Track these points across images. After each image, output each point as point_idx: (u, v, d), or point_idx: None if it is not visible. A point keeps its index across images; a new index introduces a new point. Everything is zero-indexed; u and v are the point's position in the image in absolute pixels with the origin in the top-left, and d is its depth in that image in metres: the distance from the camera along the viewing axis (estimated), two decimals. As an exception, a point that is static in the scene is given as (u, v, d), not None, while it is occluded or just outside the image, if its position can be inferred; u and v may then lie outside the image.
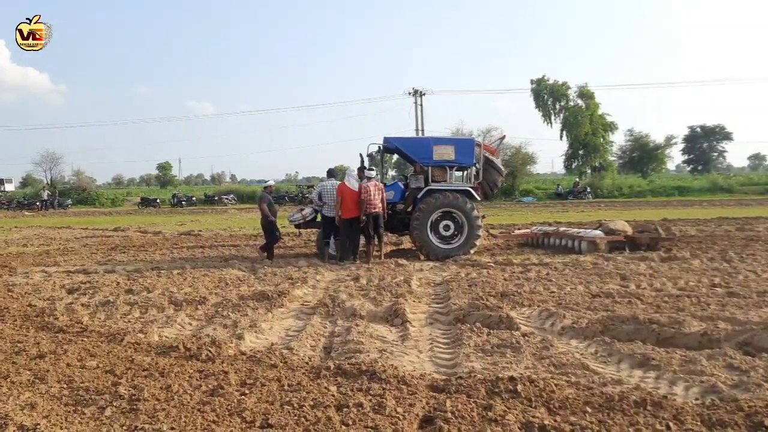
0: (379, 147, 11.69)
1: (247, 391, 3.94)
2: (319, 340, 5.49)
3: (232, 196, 48.07)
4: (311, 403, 3.69)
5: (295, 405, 3.65)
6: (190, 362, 4.71)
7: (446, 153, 11.24)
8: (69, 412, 3.67)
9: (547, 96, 51.36)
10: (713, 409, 3.47)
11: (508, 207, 33.06)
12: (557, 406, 3.59)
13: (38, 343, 5.33)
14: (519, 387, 3.83)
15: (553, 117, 51.49)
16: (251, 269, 9.85)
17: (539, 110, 51.97)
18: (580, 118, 49.23)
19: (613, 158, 54.38)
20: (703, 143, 67.37)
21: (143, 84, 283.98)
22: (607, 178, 46.65)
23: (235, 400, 3.76)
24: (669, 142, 56.28)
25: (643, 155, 54.93)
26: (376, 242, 10.84)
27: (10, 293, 8.00)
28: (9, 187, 62.44)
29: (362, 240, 10.81)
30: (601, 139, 50.67)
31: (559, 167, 71.30)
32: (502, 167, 12.38)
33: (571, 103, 50.89)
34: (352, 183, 10.53)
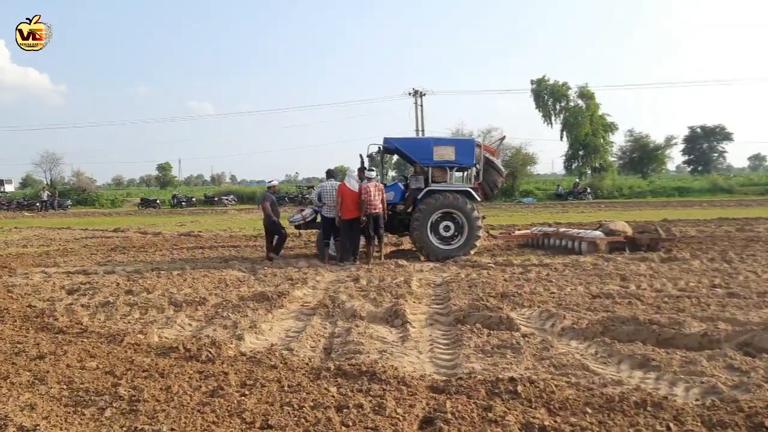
0: (379, 147, 11.69)
1: (247, 392, 3.94)
2: (319, 340, 5.49)
3: (232, 196, 48.08)
4: (311, 404, 3.69)
5: (295, 406, 3.65)
6: (189, 363, 4.70)
7: (446, 153, 11.24)
8: (69, 412, 3.67)
9: (548, 96, 51.43)
10: (714, 410, 3.47)
11: (508, 208, 33.07)
12: (557, 407, 3.59)
13: (38, 344, 5.33)
14: (519, 388, 3.82)
15: (553, 117, 51.60)
16: (251, 270, 9.85)
17: (539, 111, 52.08)
18: (580, 118, 49.29)
19: (613, 159, 54.48)
20: (703, 144, 67.42)
21: (143, 84, 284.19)
22: (607, 179, 46.69)
23: (235, 401, 3.76)
24: (669, 142, 56.44)
25: (643, 156, 54.99)
26: (376, 243, 10.84)
27: (9, 294, 8.00)
28: (9, 188, 62.48)
29: (362, 241, 10.81)
30: (602, 140, 50.73)
31: (559, 168, 71.37)
32: (502, 168, 12.38)
33: (572, 104, 50.99)
34: (353, 184, 10.53)
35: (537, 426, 3.31)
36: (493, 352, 4.87)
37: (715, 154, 69.37)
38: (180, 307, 6.90)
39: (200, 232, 18.90)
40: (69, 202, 44.01)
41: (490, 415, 3.46)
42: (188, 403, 3.77)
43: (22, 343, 5.40)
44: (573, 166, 52.59)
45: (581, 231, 12.27)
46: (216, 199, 46.97)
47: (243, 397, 3.83)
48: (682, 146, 65.79)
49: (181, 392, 3.95)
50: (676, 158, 65.90)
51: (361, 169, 11.08)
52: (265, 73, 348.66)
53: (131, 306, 7.00)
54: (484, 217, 11.72)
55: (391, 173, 59.28)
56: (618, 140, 55.19)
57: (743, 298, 6.61)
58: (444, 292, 7.67)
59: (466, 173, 12.22)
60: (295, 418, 3.47)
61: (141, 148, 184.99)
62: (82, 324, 6.16)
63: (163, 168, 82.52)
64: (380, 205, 10.45)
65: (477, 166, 11.53)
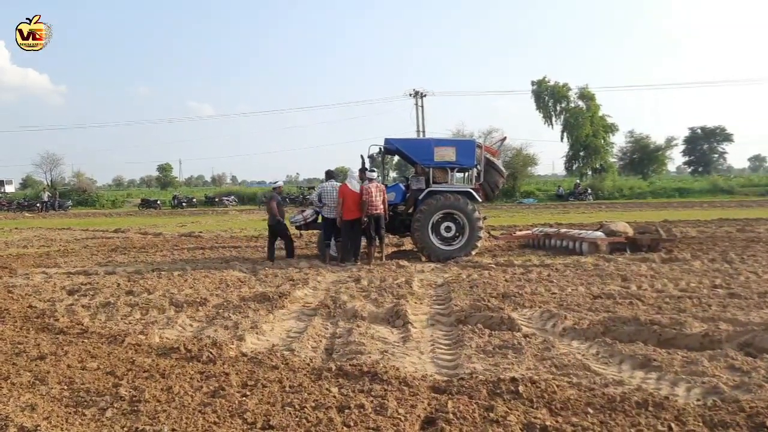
0: (380, 148, 11.68)
1: (248, 393, 3.94)
2: (321, 341, 5.49)
3: (232, 197, 48.13)
4: (313, 404, 3.69)
5: (297, 406, 3.65)
6: (191, 363, 4.70)
7: (447, 154, 11.24)
8: (69, 413, 3.67)
9: (548, 97, 51.49)
10: (715, 410, 3.47)
11: (509, 208, 33.07)
12: (559, 407, 3.58)
13: (39, 345, 5.32)
14: (520, 388, 3.82)
15: (553, 118, 51.66)
16: (252, 270, 9.85)
17: (540, 112, 52.15)
18: (580, 119, 49.34)
19: (613, 160, 54.50)
20: (704, 145, 67.39)
21: (143, 84, 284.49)
22: (607, 180, 46.69)
23: (237, 402, 3.76)
24: (669, 143, 56.46)
25: (643, 157, 54.99)
26: (378, 243, 10.84)
27: (10, 295, 8.00)
28: (9, 189, 62.45)
29: (363, 241, 10.81)
30: (602, 141, 50.76)
31: (559, 169, 71.40)
32: (503, 169, 12.37)
33: (572, 105, 51.00)
34: (354, 184, 10.53)
35: (538, 426, 3.31)
36: (494, 353, 4.87)
37: (716, 155, 69.36)
38: (181, 308, 6.90)
39: (201, 232, 18.90)
40: (69, 202, 44.05)
41: (491, 415, 3.46)
42: (189, 403, 3.77)
43: (22, 343, 5.40)
44: (574, 167, 52.59)
45: (582, 232, 12.27)
46: (217, 199, 47.00)
47: (244, 398, 3.83)
48: (682, 147, 65.86)
49: (182, 393, 3.95)
50: (676, 159, 65.95)
51: (363, 170, 11.08)
52: (266, 73, 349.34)
53: (132, 306, 7.00)
54: (485, 218, 11.72)
55: (392, 174, 59.30)
56: (618, 141, 55.31)
57: (744, 299, 6.61)
58: (445, 293, 7.67)
59: (467, 174, 12.22)
60: (297, 419, 3.47)
61: (141, 149, 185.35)
62: (82, 324, 6.15)
63: (164, 169, 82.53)
64: (381, 206, 10.45)
65: (478, 166, 11.53)
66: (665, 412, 3.46)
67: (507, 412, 3.49)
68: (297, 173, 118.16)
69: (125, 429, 3.41)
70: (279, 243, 11.71)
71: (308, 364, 4.61)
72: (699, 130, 66.85)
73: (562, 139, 51.67)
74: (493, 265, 9.86)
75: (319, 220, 11.30)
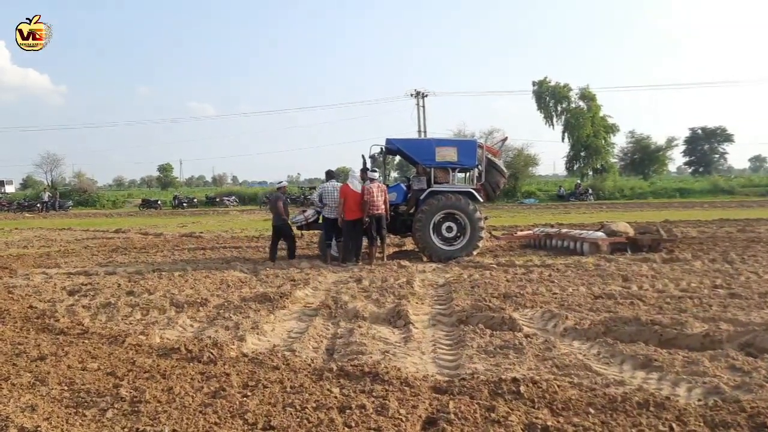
0: (382, 148, 11.67)
1: (249, 393, 3.93)
2: (322, 341, 5.49)
3: (233, 197, 48.08)
4: (314, 404, 3.68)
5: (298, 407, 3.64)
6: (191, 364, 4.70)
7: (449, 154, 11.24)
8: (70, 414, 3.67)
9: (549, 98, 51.47)
10: (716, 410, 3.47)
11: (510, 209, 33.05)
12: (560, 408, 3.58)
13: (39, 345, 5.32)
14: (522, 388, 3.82)
15: (554, 119, 51.64)
16: (253, 271, 9.85)
17: (541, 112, 52.14)
18: (581, 119, 49.32)
19: (614, 160, 54.49)
20: (704, 145, 67.37)
21: (144, 84, 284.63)
22: (608, 180, 46.66)
23: (237, 402, 3.75)
24: (670, 143, 56.40)
25: (644, 157, 54.98)
26: (379, 244, 10.83)
27: (10, 295, 7.99)
28: (9, 189, 62.49)
29: (365, 241, 10.81)
30: (603, 141, 50.73)
31: (560, 169, 71.33)
32: (504, 169, 12.36)
33: (573, 105, 50.99)
34: (355, 184, 10.53)
35: (540, 426, 3.30)
36: (495, 353, 4.87)
37: (716, 156, 69.33)
38: (181, 308, 6.90)
39: (202, 233, 18.89)
40: (70, 203, 44.02)
41: (493, 415, 3.46)
42: (190, 404, 3.76)
43: (23, 344, 5.40)
44: (574, 168, 52.57)
45: (583, 232, 12.27)
46: (217, 200, 46.97)
47: (245, 398, 3.82)
48: (683, 147, 65.84)
49: (183, 393, 3.95)
50: (677, 159, 65.99)
51: (364, 170, 11.08)
52: (267, 73, 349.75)
53: (132, 307, 7.00)
54: (486, 218, 11.71)
55: (394, 174, 59.39)
56: (619, 141, 55.28)
57: (745, 299, 6.61)
58: (446, 293, 7.67)
59: (468, 174, 12.23)
60: (298, 419, 3.46)
61: (142, 149, 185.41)
62: (83, 325, 6.15)
63: (165, 169, 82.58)
64: (383, 206, 10.45)
65: (479, 167, 11.53)
66: (666, 413, 3.46)
67: (508, 412, 3.49)
68: (298, 173, 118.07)
69: (126, 430, 3.41)
70: (280, 244, 11.68)
71: (309, 365, 4.61)
72: (699, 131, 66.86)
73: (563, 139, 51.74)
74: (494, 266, 9.86)
75: (320, 221, 11.30)
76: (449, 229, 11.01)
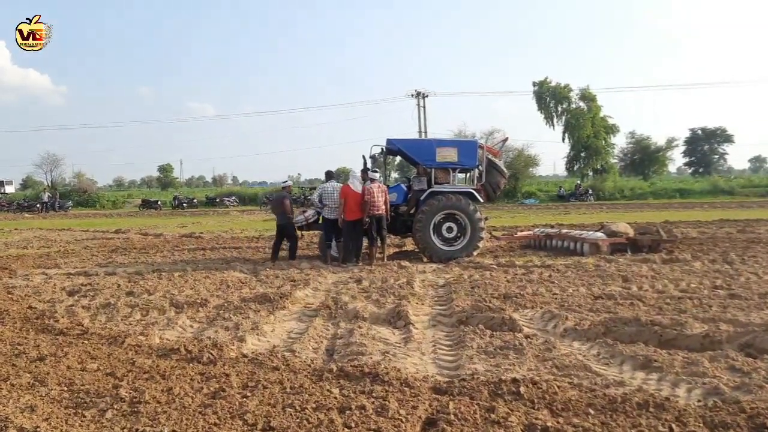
0: (382, 149, 11.67)
1: (248, 394, 3.93)
2: (322, 342, 5.48)
3: (233, 198, 48.09)
4: (313, 405, 3.68)
5: (298, 407, 3.64)
6: (191, 365, 4.69)
7: (449, 155, 11.25)
8: (69, 414, 3.66)
9: (549, 98, 51.53)
10: (715, 411, 3.46)
11: (510, 209, 33.07)
12: (560, 408, 3.58)
13: (38, 346, 5.32)
14: (522, 389, 3.82)
15: (555, 119, 51.72)
16: (253, 271, 9.85)
17: (541, 112, 52.23)
18: (581, 120, 49.38)
19: (614, 160, 54.55)
20: (704, 145, 67.37)
21: (144, 85, 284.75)
22: (608, 181, 46.71)
23: (237, 403, 3.75)
24: (670, 144, 56.46)
25: (644, 157, 55.03)
26: (379, 244, 10.83)
27: (10, 295, 7.99)
28: (9, 189, 62.42)
29: (365, 242, 10.80)
30: (603, 142, 50.80)
31: (561, 169, 71.37)
32: (504, 169, 12.37)
33: (573, 106, 51.03)
34: (356, 185, 10.53)
35: (540, 427, 3.30)
36: (495, 353, 4.87)
37: (716, 156, 69.29)
38: (181, 309, 6.89)
39: (201, 233, 18.89)
40: (70, 203, 44.01)
41: (492, 416, 3.45)
42: (190, 404, 3.76)
43: (22, 344, 5.39)
44: (575, 168, 52.61)
45: (583, 232, 12.27)
46: (217, 200, 46.98)
47: (245, 399, 3.82)
48: (683, 148, 65.87)
49: (183, 394, 3.94)
50: (677, 160, 66.07)
51: (365, 171, 11.07)
52: (267, 74, 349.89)
53: (132, 307, 6.99)
54: (486, 219, 11.71)
55: (394, 174, 59.44)
56: (619, 142, 55.38)
57: (744, 300, 6.60)
58: (447, 294, 7.66)
59: (468, 174, 12.23)
60: (298, 420, 3.46)
61: (142, 149, 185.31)
62: (82, 325, 6.15)
63: (165, 169, 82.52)
64: (383, 207, 10.45)
65: (480, 167, 11.53)
66: (666, 413, 3.45)
67: (508, 413, 3.49)
68: (299, 173, 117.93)
69: (125, 430, 3.41)
70: (282, 244, 11.68)
71: (309, 365, 4.61)
72: (699, 131, 66.86)
73: (563, 139, 51.81)
74: (494, 266, 9.86)
75: (321, 221, 11.30)
76: (449, 229, 11.01)
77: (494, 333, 5.48)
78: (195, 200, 46.45)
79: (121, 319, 6.53)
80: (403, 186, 11.96)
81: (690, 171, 69.80)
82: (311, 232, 12.66)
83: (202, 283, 8.71)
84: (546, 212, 28.47)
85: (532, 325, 5.91)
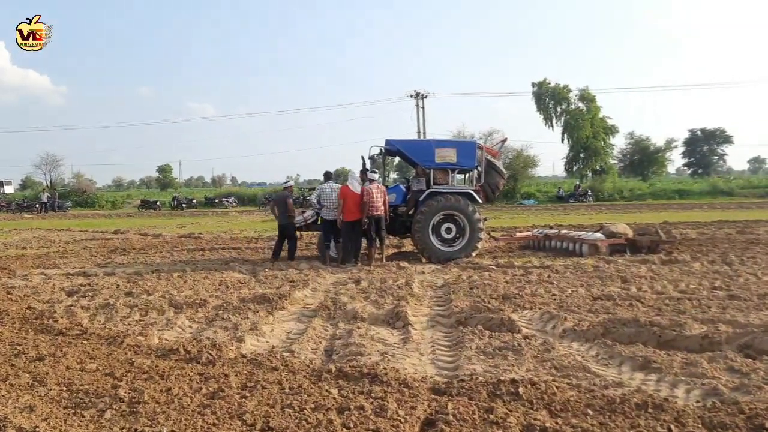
0: (381, 149, 11.67)
1: (247, 394, 3.93)
2: (321, 342, 5.48)
3: (232, 198, 48.09)
4: (312, 406, 3.68)
5: (296, 408, 3.64)
6: (190, 365, 4.69)
7: (448, 155, 11.25)
8: (68, 414, 3.66)
9: (549, 99, 51.59)
10: (714, 412, 3.47)
11: (509, 210, 33.06)
12: (559, 409, 3.58)
13: (37, 346, 5.31)
14: (520, 389, 3.82)
15: (554, 120, 51.76)
16: (252, 272, 9.84)
17: (540, 113, 52.28)
18: (581, 121, 49.42)
19: (613, 161, 54.56)
20: (704, 146, 67.36)
21: (144, 85, 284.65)
22: (607, 181, 46.73)
23: (236, 403, 3.75)
24: (669, 145, 56.52)
25: (643, 158, 55.07)
26: (378, 245, 10.84)
27: (9, 296, 7.99)
28: (8, 190, 62.38)
29: (364, 242, 10.80)
30: (602, 143, 50.85)
31: (560, 170, 71.49)
32: (503, 170, 12.38)
33: (572, 107, 51.07)
34: (355, 185, 10.53)
35: (538, 427, 3.30)
36: (494, 354, 4.87)
37: (715, 157, 69.25)
38: (180, 309, 6.89)
39: (201, 233, 18.90)
40: (69, 203, 43.97)
41: (491, 416, 3.45)
42: (188, 405, 3.76)
43: (21, 344, 5.39)
44: (574, 169, 52.65)
45: (582, 233, 12.28)
46: (216, 200, 46.96)
47: (244, 399, 3.82)
48: (682, 149, 65.89)
49: (182, 394, 3.95)
50: (676, 161, 66.07)
51: (363, 171, 11.08)
52: (266, 74, 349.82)
53: (131, 308, 6.99)
54: (485, 219, 11.72)
55: (393, 175, 59.46)
56: (618, 143, 55.43)
57: (744, 300, 6.61)
58: (445, 294, 7.67)
59: (467, 175, 12.23)
60: (296, 420, 3.46)
61: (141, 150, 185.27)
62: (81, 326, 6.14)
63: (164, 170, 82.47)
64: (382, 207, 10.45)
65: (479, 168, 11.54)
66: (665, 414, 3.46)
67: (507, 413, 3.49)
68: (297, 174, 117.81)
69: (124, 430, 3.41)
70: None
71: (308, 366, 4.61)
72: (699, 132, 66.85)
73: (562, 140, 51.86)
74: (493, 267, 9.86)
75: (319, 222, 11.30)
76: (448, 230, 11.01)
77: (493, 334, 5.48)
78: (194, 201, 46.47)
79: (120, 320, 6.53)
80: (402, 187, 11.96)
81: (689, 172, 69.83)
82: (310, 232, 12.66)
83: (201, 283, 8.71)
84: (545, 213, 28.48)
85: (530, 326, 5.91)
